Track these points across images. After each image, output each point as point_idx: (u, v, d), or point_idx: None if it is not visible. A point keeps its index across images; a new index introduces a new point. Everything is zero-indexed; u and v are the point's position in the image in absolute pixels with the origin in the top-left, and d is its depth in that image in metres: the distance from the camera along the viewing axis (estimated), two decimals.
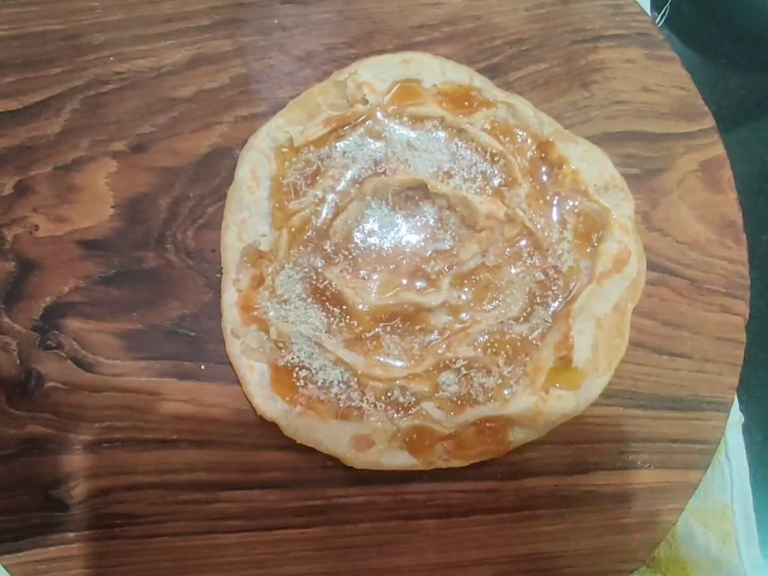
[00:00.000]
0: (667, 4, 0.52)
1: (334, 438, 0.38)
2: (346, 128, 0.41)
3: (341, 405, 0.39)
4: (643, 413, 0.41)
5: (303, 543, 0.39)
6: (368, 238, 0.41)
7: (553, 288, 0.40)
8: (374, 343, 0.39)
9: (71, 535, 0.38)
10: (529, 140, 0.42)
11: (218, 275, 0.41)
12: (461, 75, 0.43)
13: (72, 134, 0.42)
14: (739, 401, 0.45)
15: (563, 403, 0.39)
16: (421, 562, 0.39)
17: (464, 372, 0.39)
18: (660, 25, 0.52)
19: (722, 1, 0.53)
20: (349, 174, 0.41)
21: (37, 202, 0.41)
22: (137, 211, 0.41)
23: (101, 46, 0.42)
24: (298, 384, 0.39)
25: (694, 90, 0.45)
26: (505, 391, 0.39)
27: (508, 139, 0.42)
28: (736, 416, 0.45)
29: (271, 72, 0.43)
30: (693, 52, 0.54)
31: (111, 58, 0.42)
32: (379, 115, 0.42)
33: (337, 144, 0.41)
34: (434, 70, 0.43)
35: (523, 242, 0.41)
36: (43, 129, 0.42)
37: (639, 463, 0.41)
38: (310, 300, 0.40)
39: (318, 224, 0.40)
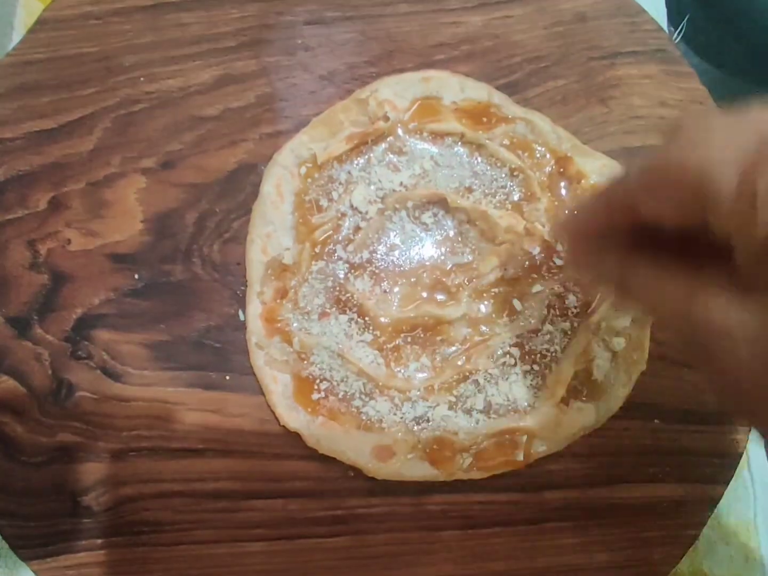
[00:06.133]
0: (684, 21, 0.52)
1: (355, 448, 0.39)
2: (368, 144, 0.42)
3: (363, 418, 0.39)
4: (664, 426, 0.41)
5: (324, 553, 0.39)
6: (389, 252, 0.41)
7: (571, 300, 0.41)
8: (395, 354, 0.40)
9: (99, 541, 0.39)
10: (548, 155, 0.43)
11: (243, 288, 0.42)
12: (480, 92, 0.44)
13: (104, 152, 0.43)
14: None
15: (583, 415, 0.39)
16: (441, 574, 0.40)
17: (483, 383, 0.40)
18: (677, 41, 0.52)
19: (739, 17, 0.53)
20: (370, 189, 0.42)
21: (70, 217, 0.42)
22: (165, 225, 0.42)
23: (132, 67, 0.44)
24: (319, 396, 0.40)
25: (712, 104, 0.45)
26: (526, 403, 0.40)
27: (527, 154, 0.43)
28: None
29: (295, 91, 0.44)
30: (711, 68, 0.54)
31: (141, 79, 0.44)
32: (399, 131, 0.43)
33: (358, 160, 0.42)
34: (454, 87, 0.44)
35: (542, 256, 0.41)
36: (77, 147, 0.43)
37: (660, 476, 0.41)
38: (332, 312, 0.40)
39: (340, 238, 0.41)
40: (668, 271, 0.24)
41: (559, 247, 0.41)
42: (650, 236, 0.25)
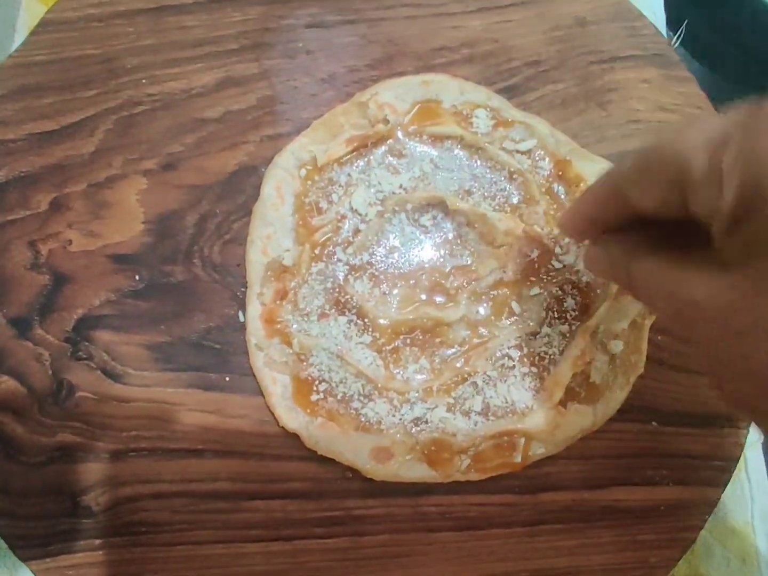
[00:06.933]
0: (683, 26, 0.53)
1: (354, 450, 0.39)
2: (367, 147, 0.42)
3: (362, 420, 0.40)
4: (662, 429, 0.41)
5: (322, 553, 0.39)
6: (389, 254, 0.42)
7: (570, 303, 0.41)
8: (394, 356, 0.40)
9: (97, 541, 0.39)
10: (547, 159, 0.43)
11: (243, 289, 0.42)
12: (479, 95, 0.44)
13: (105, 153, 0.43)
14: None
15: (581, 417, 0.40)
16: (439, 575, 0.40)
17: (482, 385, 0.40)
18: (676, 46, 0.53)
19: (737, 22, 0.53)
20: (370, 192, 0.42)
21: (72, 218, 0.43)
22: (166, 226, 0.43)
23: (134, 70, 0.44)
24: (318, 397, 0.40)
25: (711, 109, 0.46)
26: (524, 405, 0.40)
27: (526, 157, 0.43)
28: (755, 434, 0.45)
29: (295, 93, 0.45)
30: (709, 72, 0.54)
31: (143, 81, 0.44)
32: (399, 134, 0.43)
33: (358, 162, 0.43)
34: (453, 90, 0.44)
35: (541, 258, 0.41)
36: (78, 148, 0.43)
37: (657, 479, 0.41)
38: (331, 313, 0.41)
39: (340, 240, 0.42)
40: (664, 258, 0.26)
41: (558, 250, 0.41)
42: (648, 225, 0.26)
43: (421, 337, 0.41)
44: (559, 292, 0.41)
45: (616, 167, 0.28)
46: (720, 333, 0.23)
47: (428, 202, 0.42)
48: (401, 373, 0.40)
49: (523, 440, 0.39)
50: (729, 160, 0.21)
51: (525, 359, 0.40)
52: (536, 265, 0.41)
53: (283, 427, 0.40)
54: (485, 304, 0.41)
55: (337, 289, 0.41)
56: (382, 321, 0.40)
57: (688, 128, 0.23)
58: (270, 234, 0.42)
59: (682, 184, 0.23)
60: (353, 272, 0.41)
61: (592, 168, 0.43)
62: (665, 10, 0.51)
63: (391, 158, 0.43)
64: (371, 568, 0.39)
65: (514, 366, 0.40)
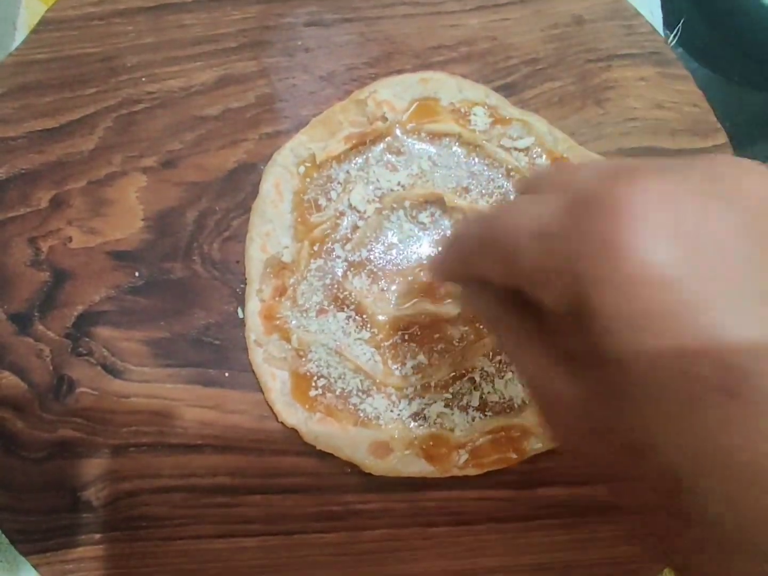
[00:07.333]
0: (680, 24, 0.53)
1: (352, 445, 0.39)
2: (366, 145, 0.43)
3: (360, 415, 0.40)
4: None
5: (321, 548, 0.40)
6: (387, 251, 0.42)
7: None
8: (392, 351, 0.41)
9: (98, 536, 0.40)
10: (544, 156, 0.43)
11: (242, 286, 0.42)
12: (477, 93, 0.44)
13: (105, 151, 0.44)
14: None
15: None
16: (436, 569, 0.40)
17: (479, 381, 0.40)
18: (673, 44, 0.53)
19: (734, 20, 0.54)
20: (368, 189, 0.42)
21: (72, 215, 0.43)
22: (166, 223, 0.43)
23: (134, 68, 0.45)
24: (317, 393, 0.40)
25: (707, 107, 0.46)
26: (521, 401, 0.40)
27: (523, 154, 0.43)
28: None
29: (294, 91, 0.45)
30: (706, 70, 0.55)
31: (143, 79, 0.45)
32: (397, 131, 0.43)
33: (357, 160, 0.43)
34: (451, 88, 0.44)
35: None
36: (78, 146, 0.44)
37: None
38: (330, 309, 0.41)
39: (338, 237, 0.42)
40: (523, 324, 0.23)
41: None
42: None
43: (419, 333, 0.41)
44: None
45: (462, 228, 0.26)
46: (570, 424, 0.22)
47: (426, 199, 0.42)
48: (399, 368, 0.41)
49: (520, 435, 0.40)
50: (553, 266, 0.19)
51: None
52: None
53: (282, 423, 0.40)
54: None
55: (336, 286, 0.41)
56: (380, 317, 0.41)
57: (517, 212, 0.21)
58: (269, 231, 0.42)
59: (514, 271, 0.21)
60: (352, 269, 0.41)
61: None
62: (662, 8, 0.51)
63: (389, 155, 0.43)
64: (369, 563, 0.40)
65: (511, 362, 0.40)
